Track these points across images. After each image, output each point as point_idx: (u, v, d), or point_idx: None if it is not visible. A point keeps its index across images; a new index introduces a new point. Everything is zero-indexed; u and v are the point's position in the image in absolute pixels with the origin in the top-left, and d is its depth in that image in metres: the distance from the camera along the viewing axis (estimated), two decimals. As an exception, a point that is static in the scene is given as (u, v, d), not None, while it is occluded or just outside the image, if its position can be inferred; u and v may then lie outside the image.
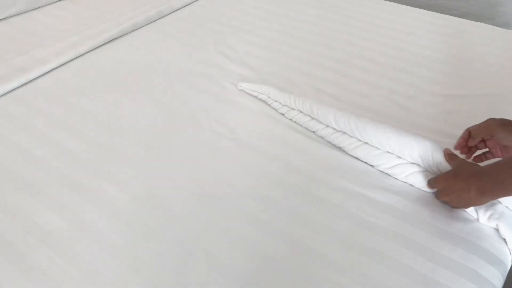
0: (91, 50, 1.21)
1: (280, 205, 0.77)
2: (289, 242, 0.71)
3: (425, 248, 0.70)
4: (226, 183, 0.81)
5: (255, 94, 1.04)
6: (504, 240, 0.73)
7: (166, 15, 1.41)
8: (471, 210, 0.76)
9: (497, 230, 0.73)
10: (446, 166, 0.78)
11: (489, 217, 0.73)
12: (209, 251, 0.70)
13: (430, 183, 0.78)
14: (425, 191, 0.80)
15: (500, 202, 0.75)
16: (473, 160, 0.83)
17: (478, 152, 0.84)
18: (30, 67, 1.10)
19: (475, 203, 0.72)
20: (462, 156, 0.82)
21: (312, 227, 0.74)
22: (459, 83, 1.10)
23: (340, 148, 0.89)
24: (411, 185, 0.81)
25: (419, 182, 0.80)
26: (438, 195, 0.77)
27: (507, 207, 0.75)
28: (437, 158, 0.79)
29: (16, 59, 1.14)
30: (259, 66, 1.16)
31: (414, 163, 0.82)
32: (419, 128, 0.94)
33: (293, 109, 0.97)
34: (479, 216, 0.75)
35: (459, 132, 0.94)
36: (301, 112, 0.96)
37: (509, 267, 0.72)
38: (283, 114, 0.99)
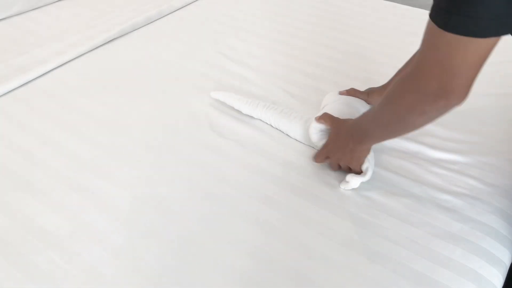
0: (91, 50, 1.21)
1: (280, 205, 0.77)
2: (289, 242, 0.71)
3: (425, 248, 0.70)
4: (226, 183, 0.81)
5: (228, 102, 0.99)
6: None
7: (166, 15, 1.41)
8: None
9: (496, 229, 0.73)
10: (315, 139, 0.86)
11: None
12: (209, 251, 0.70)
13: (317, 156, 0.84)
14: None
15: None
16: None
17: None
18: (30, 67, 1.10)
19: (357, 154, 0.79)
20: None
21: (312, 227, 0.74)
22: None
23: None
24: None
25: None
26: (331, 165, 0.84)
27: None
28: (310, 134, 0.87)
29: (16, 59, 1.14)
30: (259, 66, 1.16)
31: None
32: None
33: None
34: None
35: (458, 132, 0.94)
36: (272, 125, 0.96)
37: (508, 267, 0.72)
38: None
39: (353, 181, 0.79)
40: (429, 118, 0.61)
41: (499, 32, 0.49)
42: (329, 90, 1.07)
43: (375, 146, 0.90)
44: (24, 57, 1.14)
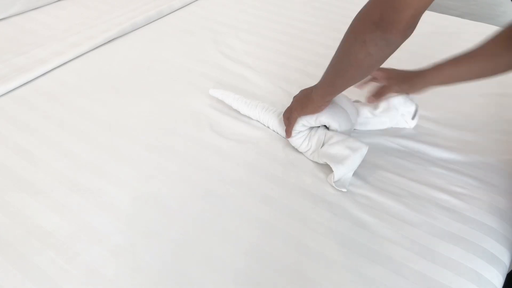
0: (91, 50, 1.21)
1: (280, 205, 0.77)
2: (289, 242, 0.72)
3: (425, 248, 0.70)
4: (226, 183, 0.81)
5: (227, 101, 0.99)
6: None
7: (166, 15, 1.41)
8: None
9: (496, 229, 0.73)
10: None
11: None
12: (209, 250, 0.70)
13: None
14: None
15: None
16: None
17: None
18: (30, 67, 1.10)
19: (306, 101, 0.84)
20: None
21: (312, 227, 0.74)
22: (459, 83, 1.10)
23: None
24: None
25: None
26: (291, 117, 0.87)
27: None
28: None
29: (16, 59, 1.14)
30: (259, 66, 1.16)
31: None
32: (416, 127, 0.94)
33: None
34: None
35: (458, 131, 0.94)
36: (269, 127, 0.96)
37: (508, 267, 0.72)
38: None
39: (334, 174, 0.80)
40: (369, 53, 0.62)
41: None
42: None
43: (375, 146, 0.90)
44: (24, 57, 1.14)
